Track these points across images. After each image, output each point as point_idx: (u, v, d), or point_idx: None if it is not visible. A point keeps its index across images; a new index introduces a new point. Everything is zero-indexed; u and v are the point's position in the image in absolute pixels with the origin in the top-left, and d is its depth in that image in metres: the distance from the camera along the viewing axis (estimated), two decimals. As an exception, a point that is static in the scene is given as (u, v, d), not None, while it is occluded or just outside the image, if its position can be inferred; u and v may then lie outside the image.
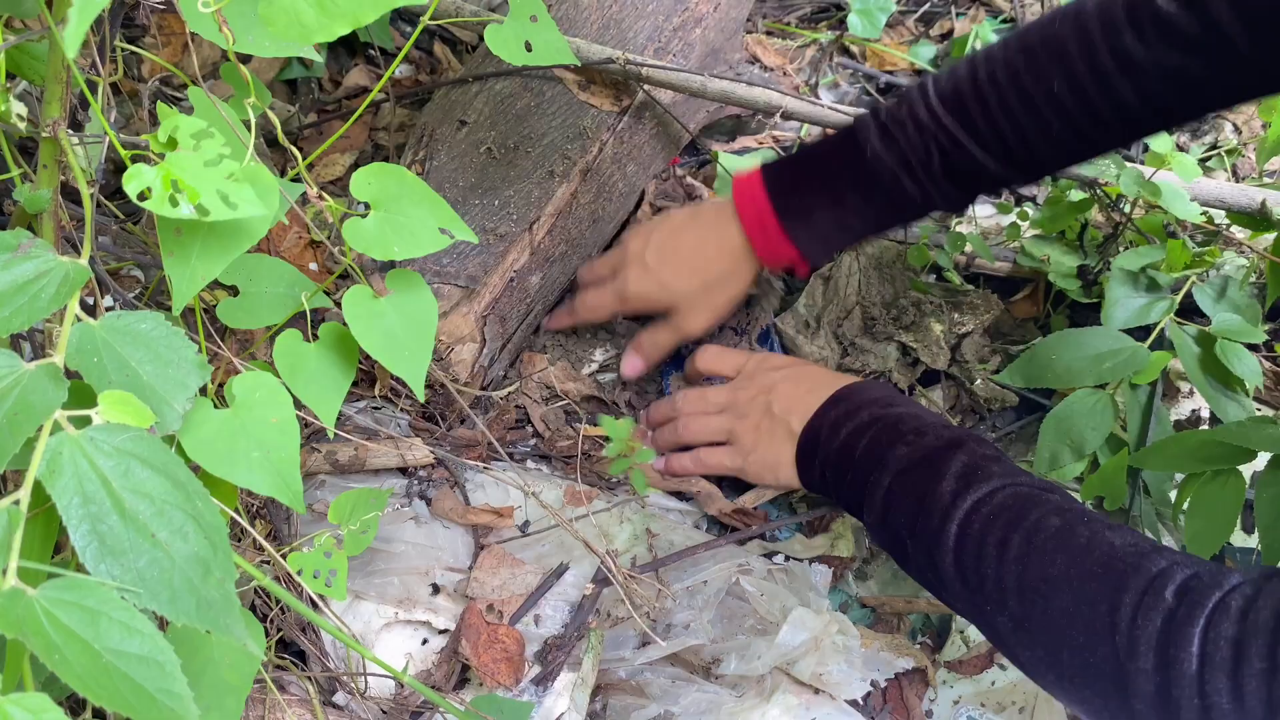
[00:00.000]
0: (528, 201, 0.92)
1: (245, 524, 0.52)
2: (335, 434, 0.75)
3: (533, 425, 0.92)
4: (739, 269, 0.88)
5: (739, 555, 0.75)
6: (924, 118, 0.77)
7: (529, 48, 0.69)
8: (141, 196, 0.47)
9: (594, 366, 0.97)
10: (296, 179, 1.05)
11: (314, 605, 0.67)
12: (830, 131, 0.89)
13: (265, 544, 0.53)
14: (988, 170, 0.77)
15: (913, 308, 1.02)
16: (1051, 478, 0.90)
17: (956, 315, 1.02)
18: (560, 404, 0.93)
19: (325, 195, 0.56)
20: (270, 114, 0.56)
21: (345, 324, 0.57)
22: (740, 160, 1.15)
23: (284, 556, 0.62)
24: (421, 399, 0.58)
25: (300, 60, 1.12)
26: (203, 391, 0.51)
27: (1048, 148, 0.75)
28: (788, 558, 0.82)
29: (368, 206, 0.56)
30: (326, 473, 0.82)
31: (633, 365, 0.93)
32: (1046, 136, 0.74)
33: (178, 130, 0.48)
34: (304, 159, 0.59)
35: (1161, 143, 0.91)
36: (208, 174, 0.47)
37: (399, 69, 1.20)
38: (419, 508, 0.79)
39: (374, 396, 0.89)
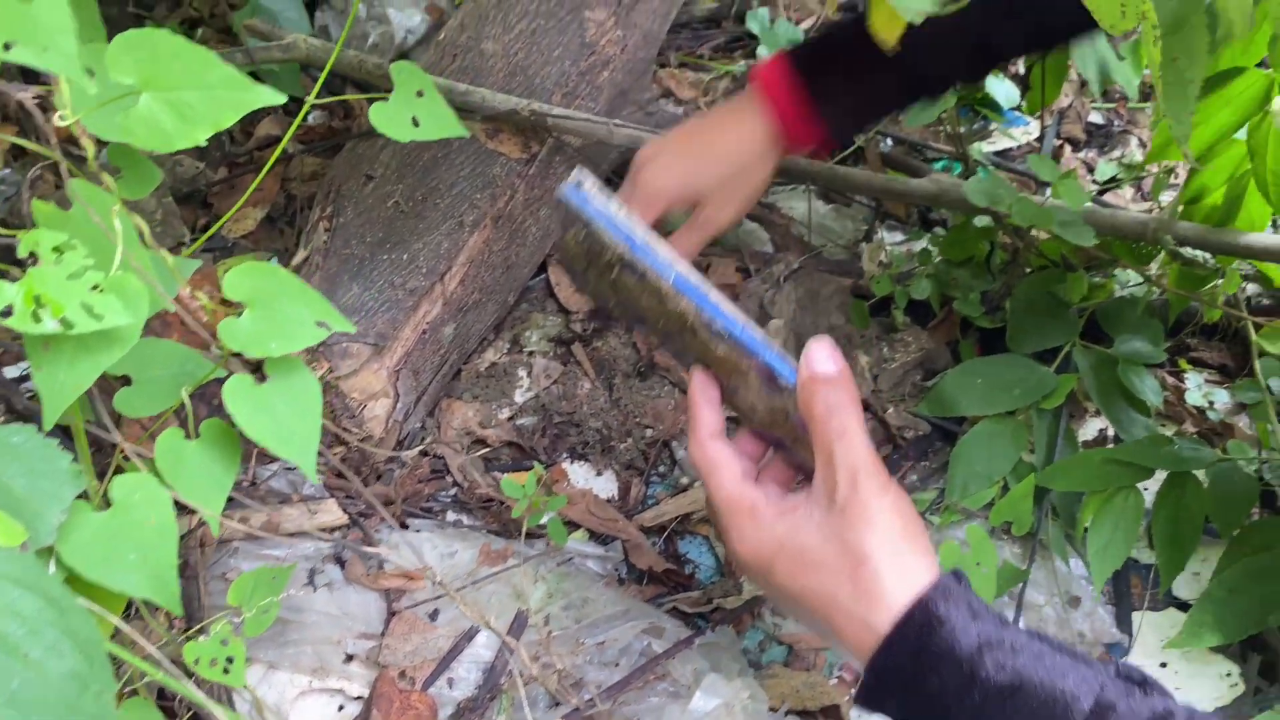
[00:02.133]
0: (437, 253, 0.93)
1: (127, 628, 0.52)
2: (222, 519, 0.75)
3: (452, 475, 0.93)
4: (764, 155, 0.84)
5: (651, 614, 0.76)
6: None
7: (416, 123, 0.69)
8: (4, 313, 0.47)
9: (513, 410, 0.97)
10: (207, 227, 1.05)
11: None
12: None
13: (143, 641, 0.53)
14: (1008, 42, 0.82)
15: (844, 340, 1.04)
16: (964, 504, 0.92)
17: (886, 350, 1.04)
18: (481, 451, 0.94)
19: (199, 295, 0.56)
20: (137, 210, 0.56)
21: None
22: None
23: (185, 640, 0.62)
24: (315, 481, 0.58)
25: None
26: (87, 494, 0.52)
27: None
28: (711, 602, 0.84)
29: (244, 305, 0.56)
30: (240, 539, 0.82)
31: None
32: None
33: (38, 245, 0.48)
34: (213, 216, 0.59)
35: (1049, 170, 0.93)
36: (71, 287, 0.48)
37: (312, 115, 1.20)
38: (332, 573, 0.79)
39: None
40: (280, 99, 0.51)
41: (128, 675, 0.62)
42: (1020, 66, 1.32)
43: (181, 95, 0.49)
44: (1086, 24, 0.75)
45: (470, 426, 0.93)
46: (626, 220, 0.59)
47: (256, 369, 0.59)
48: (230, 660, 0.59)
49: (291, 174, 1.10)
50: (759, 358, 0.59)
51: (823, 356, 0.56)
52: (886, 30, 0.70)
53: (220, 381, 0.59)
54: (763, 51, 1.25)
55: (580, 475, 0.94)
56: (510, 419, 0.97)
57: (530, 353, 1.01)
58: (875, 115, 0.88)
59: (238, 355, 0.63)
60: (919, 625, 0.51)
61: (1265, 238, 0.98)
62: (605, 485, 0.94)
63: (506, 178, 0.98)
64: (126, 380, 0.63)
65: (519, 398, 0.99)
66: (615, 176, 1.14)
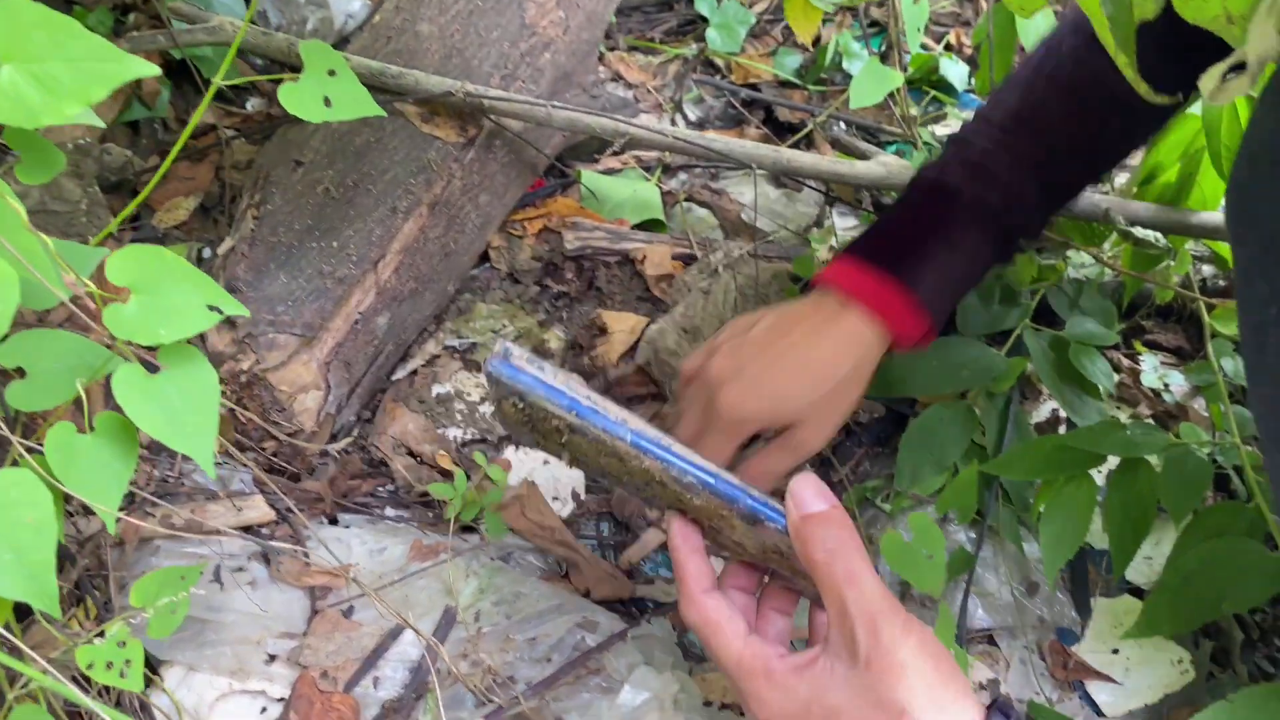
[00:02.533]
0: (369, 241, 0.90)
1: (15, 639, 0.49)
2: (142, 517, 0.72)
3: (390, 470, 0.90)
4: (865, 362, 0.75)
5: (584, 608, 0.74)
6: (998, 154, 0.79)
7: (328, 103, 0.66)
8: None
9: (457, 439, 0.93)
10: (135, 220, 1.01)
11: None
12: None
13: (18, 644, 0.50)
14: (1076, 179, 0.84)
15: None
16: (914, 490, 0.90)
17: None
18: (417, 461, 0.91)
19: (87, 283, 0.53)
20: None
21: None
22: (605, 180, 1.14)
23: (95, 637, 0.59)
24: (212, 475, 0.56)
25: (140, 100, 1.09)
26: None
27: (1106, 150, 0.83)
28: (652, 602, 0.81)
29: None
30: (163, 537, 0.79)
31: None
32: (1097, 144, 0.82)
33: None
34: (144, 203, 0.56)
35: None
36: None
37: (250, 104, 1.17)
38: (256, 570, 0.76)
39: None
40: (151, 70, 0.48)
41: (23, 682, 0.59)
42: (969, 47, 1.30)
43: (46, 67, 0.46)
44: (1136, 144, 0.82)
45: (407, 440, 0.90)
46: (565, 384, 0.55)
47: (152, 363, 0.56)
48: (128, 663, 0.56)
49: (226, 162, 1.07)
50: (739, 505, 0.56)
51: (810, 495, 0.53)
52: (803, 26, 0.68)
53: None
54: (712, 35, 1.23)
55: (526, 464, 0.92)
56: (456, 446, 0.93)
57: (480, 366, 0.98)
58: (970, 284, 0.81)
59: (137, 346, 0.61)
60: None
61: (1218, 216, 0.97)
62: (559, 475, 0.91)
63: (443, 162, 0.95)
64: (20, 373, 0.60)
65: (469, 430, 0.94)
66: (557, 163, 1.11)
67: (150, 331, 0.53)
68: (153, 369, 0.55)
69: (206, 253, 1.01)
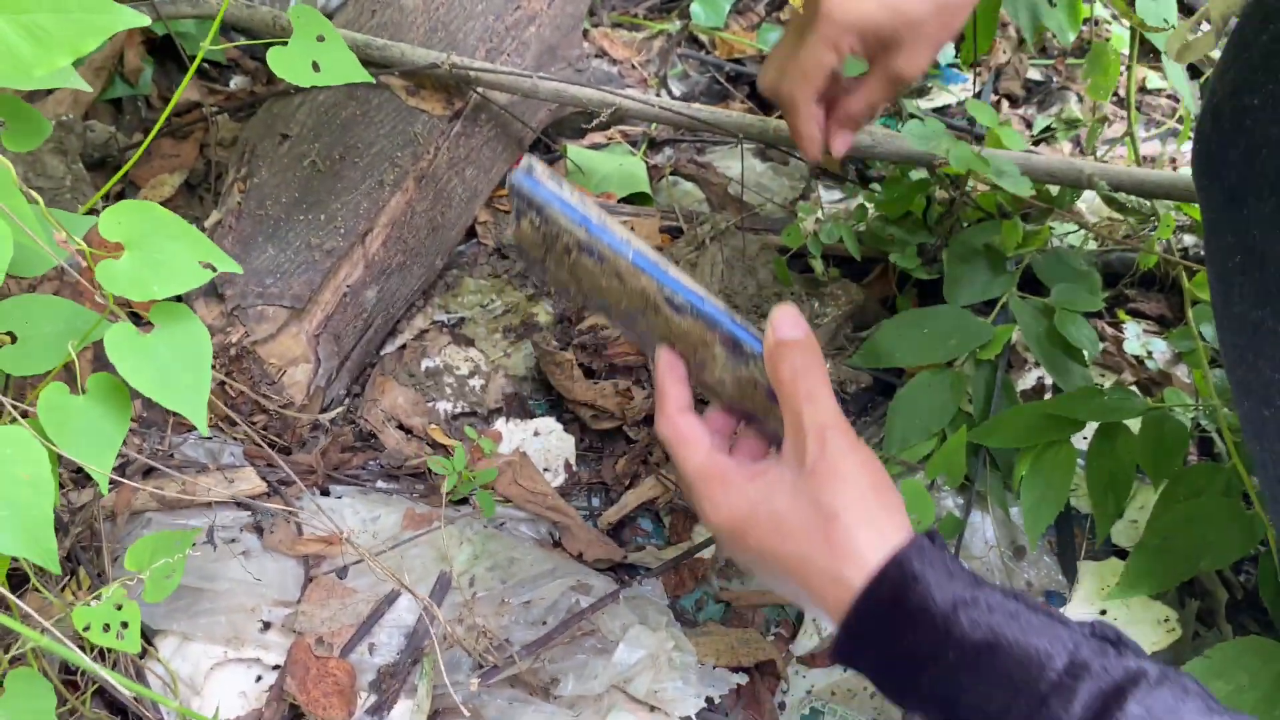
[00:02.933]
0: (356, 214, 0.90)
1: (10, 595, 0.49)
2: (133, 487, 0.72)
3: (380, 443, 0.90)
4: None
5: (578, 572, 0.74)
6: None
7: (317, 68, 0.66)
8: None
9: (448, 412, 0.94)
10: (119, 198, 1.01)
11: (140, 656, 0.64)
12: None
13: (17, 602, 0.50)
14: None
15: (775, 298, 1.02)
16: (903, 457, 0.91)
17: (818, 305, 1.02)
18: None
19: (78, 240, 0.53)
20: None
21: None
22: (591, 155, 1.14)
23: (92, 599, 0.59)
24: (205, 433, 0.56)
25: (123, 77, 1.08)
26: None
27: None
28: (644, 569, 0.82)
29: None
30: (154, 510, 0.79)
31: (844, 141, 0.72)
32: None
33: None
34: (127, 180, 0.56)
35: (987, 115, 0.92)
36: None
37: (234, 81, 1.16)
38: (249, 541, 0.76)
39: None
40: (142, 20, 0.48)
41: (18, 644, 0.59)
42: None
43: (35, 18, 0.46)
44: None
45: (398, 413, 0.91)
46: (580, 203, 0.57)
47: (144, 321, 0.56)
48: (125, 625, 0.56)
49: (211, 139, 1.06)
50: (722, 328, 0.58)
51: (788, 323, 0.56)
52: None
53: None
54: (696, 10, 1.23)
55: (516, 436, 0.92)
56: (446, 419, 0.93)
57: (469, 340, 0.98)
58: None
59: (126, 306, 0.61)
60: (894, 582, 0.50)
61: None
62: (549, 445, 0.91)
63: (429, 135, 0.95)
64: (12, 337, 0.60)
65: (458, 403, 0.94)
66: (544, 138, 1.11)
67: (143, 287, 0.53)
68: (145, 329, 0.55)
69: (192, 229, 1.00)
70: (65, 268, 0.53)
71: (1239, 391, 0.58)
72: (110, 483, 0.54)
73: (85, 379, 0.57)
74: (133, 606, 0.57)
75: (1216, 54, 0.64)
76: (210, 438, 0.85)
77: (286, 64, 0.65)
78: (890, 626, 0.50)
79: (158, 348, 0.54)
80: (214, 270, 0.54)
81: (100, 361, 0.65)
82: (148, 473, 0.82)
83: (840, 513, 0.52)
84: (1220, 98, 0.53)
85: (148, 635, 0.71)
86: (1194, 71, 1.31)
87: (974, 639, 0.49)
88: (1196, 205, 0.99)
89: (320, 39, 0.68)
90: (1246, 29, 0.52)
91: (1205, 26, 0.58)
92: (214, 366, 0.86)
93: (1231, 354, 0.57)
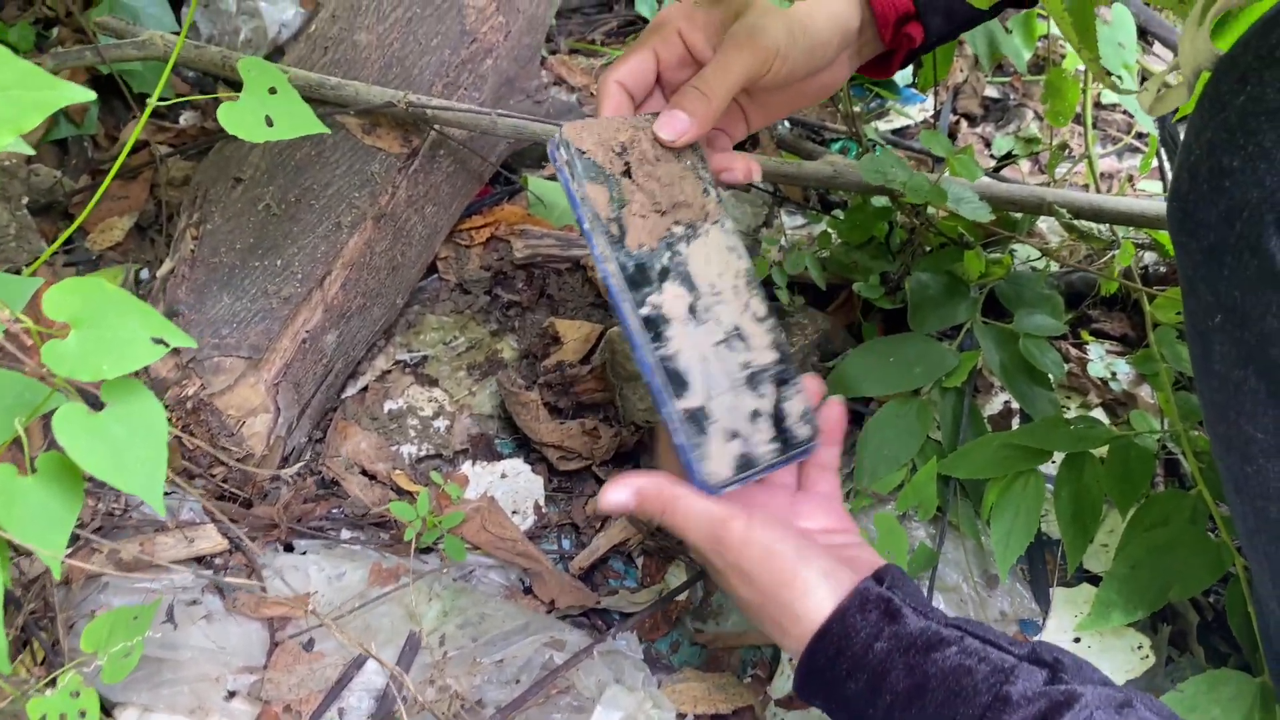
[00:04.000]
0: (314, 258, 0.88)
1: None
2: (88, 554, 0.70)
3: (343, 491, 0.88)
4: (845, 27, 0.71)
5: (551, 627, 0.73)
6: None
7: (270, 122, 0.64)
8: None
9: (412, 455, 0.92)
10: (68, 243, 0.98)
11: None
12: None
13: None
14: None
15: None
16: (873, 489, 0.91)
17: (785, 335, 1.02)
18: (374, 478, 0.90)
19: (22, 318, 0.51)
20: None
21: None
22: (553, 186, 1.13)
23: (46, 687, 0.57)
24: (161, 514, 0.54)
25: (68, 117, 1.05)
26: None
27: None
28: (618, 614, 0.81)
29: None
30: (111, 573, 0.77)
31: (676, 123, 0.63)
32: None
33: None
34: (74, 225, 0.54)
35: (942, 146, 0.92)
36: None
37: (184, 117, 1.14)
38: (211, 604, 0.74)
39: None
40: (87, 95, 0.46)
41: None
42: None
43: (-28, 98, 0.44)
44: None
45: (361, 459, 0.89)
46: (587, 196, 0.59)
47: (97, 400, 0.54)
48: (83, 714, 0.54)
49: (162, 179, 1.04)
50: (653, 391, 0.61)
51: (614, 502, 0.61)
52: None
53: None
54: (654, 35, 1.22)
55: (484, 478, 0.91)
56: (410, 462, 0.91)
57: (433, 380, 0.97)
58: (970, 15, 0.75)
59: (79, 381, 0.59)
60: (835, 637, 0.57)
61: (1155, 204, 0.98)
62: (517, 487, 0.90)
63: (386, 174, 0.93)
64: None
65: (423, 446, 0.93)
66: (503, 170, 1.10)
67: (92, 367, 0.51)
68: (96, 405, 0.53)
69: (144, 274, 0.98)
70: (5, 346, 0.51)
71: (1219, 446, 0.58)
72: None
73: (36, 453, 0.55)
74: (90, 694, 0.55)
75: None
76: (169, 492, 0.83)
77: (238, 120, 0.63)
78: (834, 677, 0.57)
79: (110, 427, 0.52)
80: (167, 346, 0.52)
81: (51, 434, 0.63)
82: (101, 530, 0.80)
83: (761, 603, 0.61)
84: (1197, 157, 0.52)
85: (106, 707, 0.69)
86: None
87: (905, 686, 0.55)
88: (1159, 230, 0.99)
89: (272, 91, 0.66)
90: (1222, 87, 0.52)
91: (1174, 78, 0.58)
92: (170, 420, 0.84)
93: (1211, 410, 0.57)
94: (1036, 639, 0.65)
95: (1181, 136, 1.14)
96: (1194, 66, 0.56)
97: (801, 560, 0.59)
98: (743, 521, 0.60)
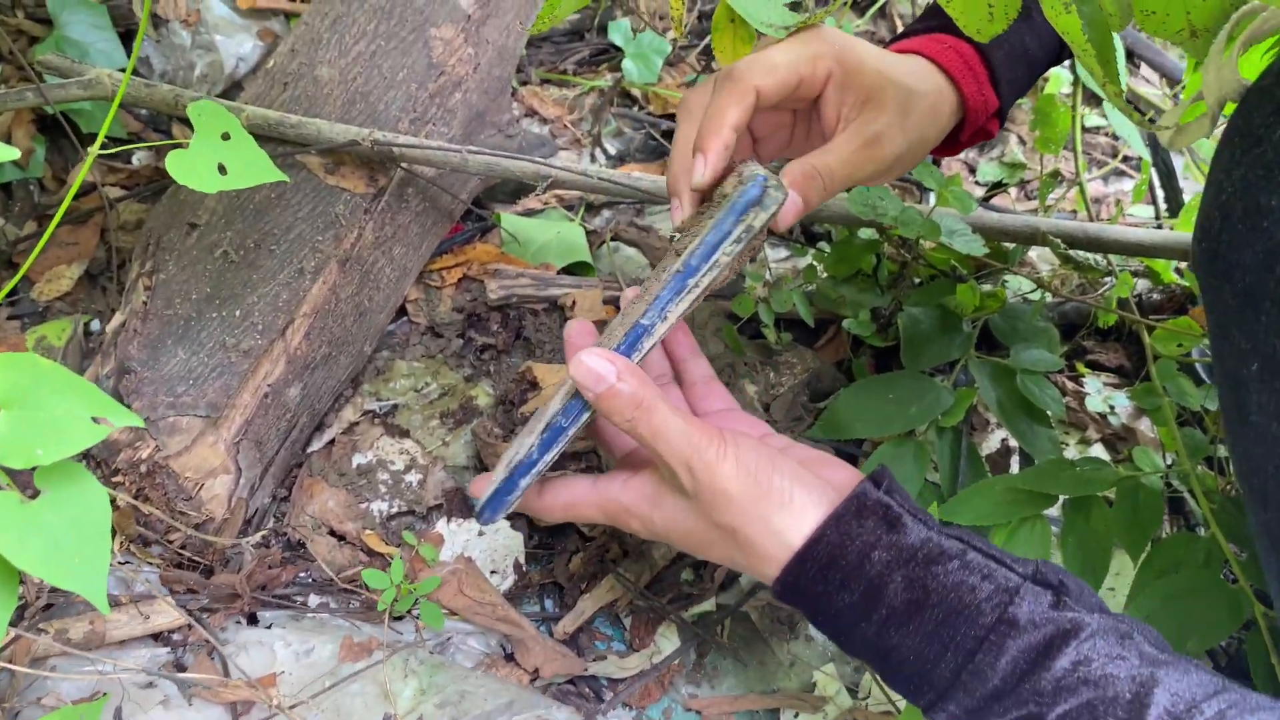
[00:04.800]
0: (275, 306, 0.83)
1: None
2: (36, 635, 0.64)
3: (310, 553, 0.83)
4: (941, 102, 0.70)
5: (537, 704, 0.68)
6: None
7: (223, 170, 0.60)
8: None
9: (382, 513, 0.86)
10: (12, 294, 0.92)
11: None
12: None
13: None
14: None
15: (727, 369, 0.97)
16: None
17: (773, 375, 0.98)
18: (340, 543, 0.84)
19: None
20: None
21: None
22: (526, 223, 1.09)
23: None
24: (106, 613, 0.48)
25: (13, 161, 1.00)
26: None
27: None
28: (606, 680, 0.76)
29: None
30: (58, 654, 0.71)
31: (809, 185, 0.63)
32: None
33: None
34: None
35: (933, 178, 0.88)
36: None
37: (136, 157, 1.08)
38: (168, 687, 0.69)
39: (113, 553, 0.78)
40: (10, 154, 0.41)
41: None
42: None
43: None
44: None
45: (328, 519, 0.83)
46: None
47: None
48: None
49: (113, 224, 0.98)
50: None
51: (591, 378, 0.55)
52: (729, 58, 0.64)
53: None
54: (629, 66, 1.18)
55: (459, 536, 0.86)
56: (381, 520, 0.86)
57: (404, 431, 0.91)
58: (1039, 65, 0.76)
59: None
60: (830, 545, 0.54)
61: (1150, 233, 0.96)
62: (496, 545, 0.85)
63: (352, 215, 0.88)
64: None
65: (394, 502, 0.87)
66: (474, 207, 1.05)
67: (25, 453, 0.46)
68: (31, 493, 0.48)
69: (95, 325, 0.92)
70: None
71: (1254, 500, 0.54)
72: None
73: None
74: (28, 810, 0.49)
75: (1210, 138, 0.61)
76: (123, 562, 0.78)
77: (188, 169, 0.59)
78: (819, 593, 0.54)
79: (46, 518, 0.47)
80: (110, 426, 0.47)
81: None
82: (49, 608, 0.74)
83: (740, 527, 0.55)
84: (1229, 195, 0.49)
85: (54, 808, 0.63)
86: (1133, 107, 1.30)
87: (903, 599, 0.52)
88: (1153, 259, 0.97)
89: (226, 137, 0.61)
90: (1255, 121, 0.48)
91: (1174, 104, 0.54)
92: (123, 485, 0.78)
93: (1245, 462, 0.54)
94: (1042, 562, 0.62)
95: (1175, 164, 1.12)
96: (1219, 97, 0.52)
97: (784, 474, 0.56)
98: (722, 439, 0.55)
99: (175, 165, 0.58)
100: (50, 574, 0.46)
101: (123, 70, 1.05)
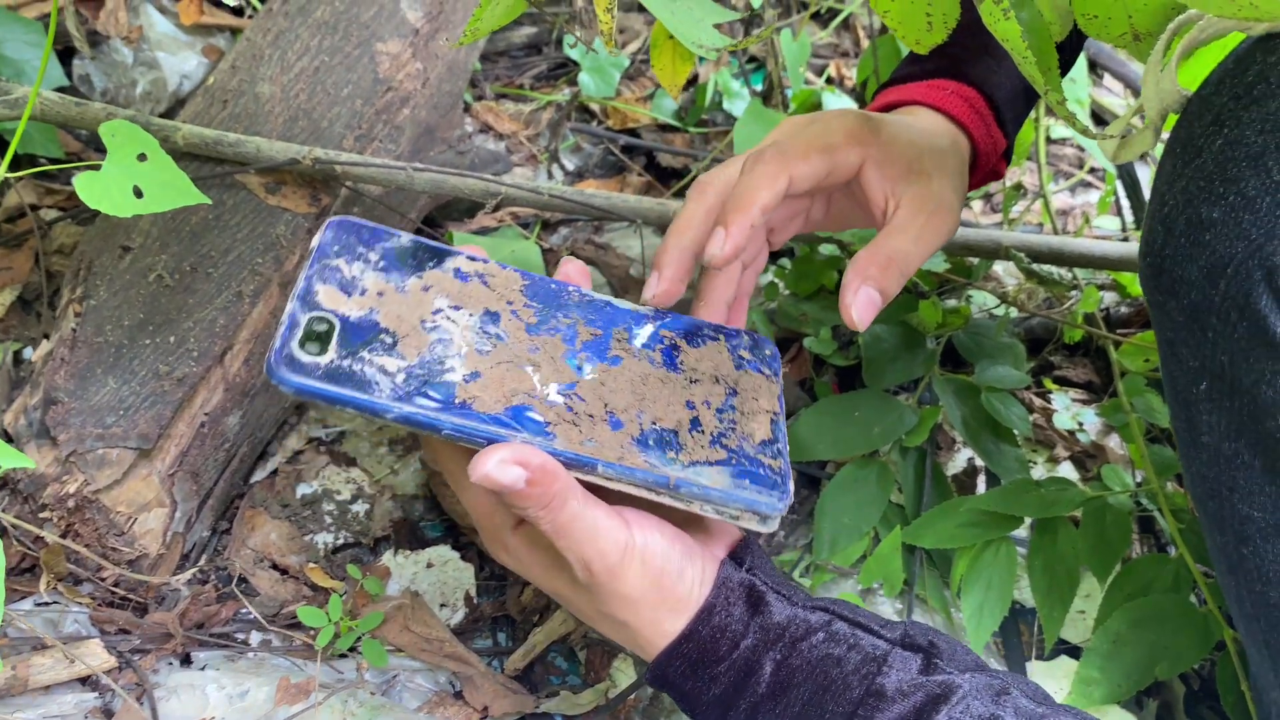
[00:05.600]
0: (212, 332, 0.80)
1: None
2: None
3: (252, 588, 0.79)
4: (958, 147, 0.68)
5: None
6: None
7: (139, 193, 0.57)
8: None
9: (328, 545, 0.83)
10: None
11: None
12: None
13: None
14: None
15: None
16: (834, 562, 0.84)
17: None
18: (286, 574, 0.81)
19: None
20: None
21: None
22: (480, 241, 1.06)
23: None
24: (1, 669, 0.45)
25: (-56, 182, 0.96)
26: None
27: None
28: (559, 718, 0.73)
29: None
30: (-23, 703, 0.67)
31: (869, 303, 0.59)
32: None
33: None
34: None
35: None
36: None
37: (75, 180, 1.05)
38: (93, 735, 0.65)
39: (40, 592, 0.74)
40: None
41: None
42: (852, 80, 1.26)
43: None
44: None
45: (271, 552, 0.80)
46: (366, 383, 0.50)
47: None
48: None
49: (49, 248, 0.95)
50: None
51: (496, 473, 0.48)
52: (670, 77, 0.62)
53: None
54: (585, 80, 1.16)
55: (408, 569, 0.82)
56: (326, 553, 0.83)
57: (351, 459, 0.88)
58: (1036, 95, 0.74)
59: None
60: (701, 641, 0.53)
61: (1115, 245, 0.94)
62: (445, 577, 0.82)
63: (294, 237, 0.85)
64: None
65: (340, 534, 0.84)
66: (426, 225, 1.03)
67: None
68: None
69: (28, 353, 0.89)
70: None
71: (1210, 524, 0.52)
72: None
73: None
74: None
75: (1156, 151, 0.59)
76: (50, 602, 0.74)
77: (100, 192, 0.56)
78: (688, 689, 0.53)
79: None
80: (-6, 469, 0.44)
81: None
82: (-28, 653, 0.71)
83: (630, 622, 0.54)
84: (1172, 208, 0.47)
85: None
86: (1097, 118, 1.29)
87: (769, 682, 0.51)
88: (1120, 271, 0.95)
89: (142, 158, 0.58)
90: (1196, 131, 0.46)
91: (1137, 120, 0.52)
92: (51, 521, 0.75)
93: (1200, 485, 0.51)
94: (911, 619, 0.60)
95: (1141, 175, 1.10)
96: (1159, 109, 0.50)
97: (687, 576, 0.53)
98: (629, 542, 0.52)
99: (85, 188, 0.55)
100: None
101: (62, 89, 1.01)
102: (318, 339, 0.49)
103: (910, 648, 0.52)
